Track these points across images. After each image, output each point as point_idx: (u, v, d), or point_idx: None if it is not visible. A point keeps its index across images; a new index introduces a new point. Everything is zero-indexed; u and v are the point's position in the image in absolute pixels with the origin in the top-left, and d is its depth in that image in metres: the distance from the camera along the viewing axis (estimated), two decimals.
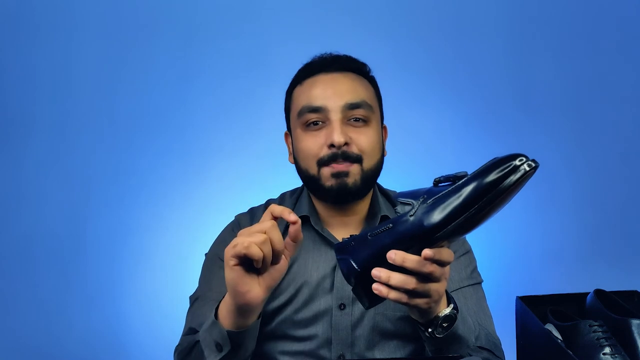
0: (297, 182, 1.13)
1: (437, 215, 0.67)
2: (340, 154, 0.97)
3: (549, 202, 1.83)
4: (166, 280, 1.76)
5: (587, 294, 1.00)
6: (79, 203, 1.82)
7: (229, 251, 0.74)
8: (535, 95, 1.86)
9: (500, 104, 1.85)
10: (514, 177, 0.64)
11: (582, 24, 1.85)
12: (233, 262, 0.74)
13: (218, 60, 1.84)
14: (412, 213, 0.70)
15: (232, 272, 0.74)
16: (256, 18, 1.85)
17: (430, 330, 0.78)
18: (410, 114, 1.74)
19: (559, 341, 0.88)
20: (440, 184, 0.70)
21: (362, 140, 0.98)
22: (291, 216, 0.75)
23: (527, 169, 0.64)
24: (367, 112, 1.00)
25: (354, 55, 1.08)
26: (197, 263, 1.08)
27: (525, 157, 0.65)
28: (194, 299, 1.02)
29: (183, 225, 1.79)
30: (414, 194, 0.72)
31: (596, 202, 1.84)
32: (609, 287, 0.99)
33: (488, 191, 0.65)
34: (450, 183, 0.69)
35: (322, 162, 0.98)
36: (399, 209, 0.72)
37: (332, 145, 0.96)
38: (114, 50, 1.83)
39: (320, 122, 0.99)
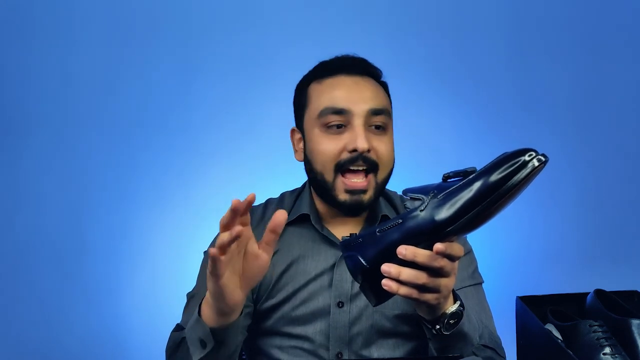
0: (297, 181, 1.13)
1: (447, 210, 0.67)
2: (361, 158, 0.96)
3: (550, 202, 1.83)
4: (166, 279, 1.75)
5: (587, 294, 1.00)
6: (78, 203, 1.82)
7: (209, 268, 0.71)
8: (538, 94, 1.86)
9: (502, 102, 1.85)
10: (523, 173, 0.64)
11: (586, 22, 1.84)
12: (217, 275, 0.71)
13: (218, 59, 1.84)
14: (422, 208, 0.70)
15: (214, 286, 0.73)
16: (257, 18, 1.84)
17: (437, 327, 0.78)
18: (413, 113, 1.73)
19: (559, 341, 0.88)
20: (449, 180, 0.70)
21: (382, 148, 0.99)
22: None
23: (537, 164, 0.64)
24: (387, 119, 1.01)
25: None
26: (197, 262, 1.08)
27: (535, 151, 0.65)
28: (190, 296, 1.03)
29: (182, 224, 1.79)
30: (423, 190, 0.72)
31: (597, 202, 1.84)
32: (609, 287, 0.99)
33: (498, 186, 0.65)
34: (459, 178, 0.69)
35: (340, 166, 0.97)
36: (409, 204, 0.72)
37: (354, 150, 0.96)
38: (114, 50, 1.83)
39: (342, 126, 0.98)
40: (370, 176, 0.98)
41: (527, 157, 0.64)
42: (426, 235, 0.69)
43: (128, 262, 1.80)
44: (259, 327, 1.01)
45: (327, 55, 1.08)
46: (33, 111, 1.82)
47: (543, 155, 0.65)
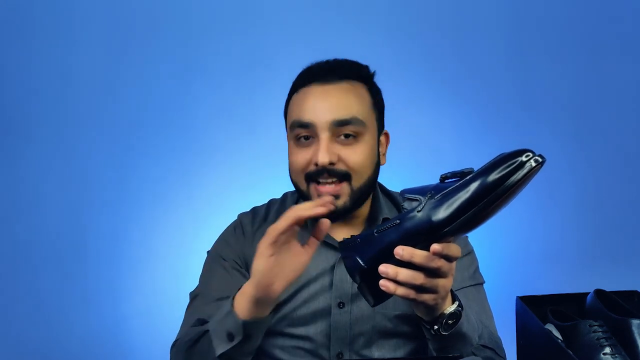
0: None
1: (445, 211, 0.68)
2: (326, 171, 0.96)
3: (550, 202, 1.83)
4: (166, 280, 1.76)
5: (587, 294, 1.00)
6: (79, 203, 1.82)
7: (266, 240, 0.77)
8: (538, 94, 1.86)
9: (502, 102, 1.85)
10: (520, 173, 0.64)
11: (586, 22, 1.84)
12: (269, 252, 0.77)
13: (219, 60, 1.84)
14: (419, 209, 0.70)
15: (264, 264, 0.77)
16: (257, 18, 1.84)
17: (435, 327, 0.78)
18: (412, 112, 1.74)
19: (559, 341, 0.88)
20: (447, 180, 0.71)
21: (351, 157, 0.97)
22: (319, 209, 0.78)
23: (534, 164, 0.64)
24: (358, 127, 0.97)
25: (355, 54, 1.06)
26: (198, 264, 1.08)
27: (532, 152, 0.65)
28: (193, 296, 1.03)
29: (184, 225, 1.79)
30: (420, 190, 0.72)
31: (597, 202, 1.84)
32: (609, 287, 0.99)
33: (495, 187, 0.65)
34: (457, 179, 0.69)
35: (310, 177, 0.98)
36: (406, 205, 0.72)
37: (317, 164, 0.96)
38: (114, 50, 1.83)
39: (310, 137, 0.98)
40: (344, 184, 0.97)
41: (524, 158, 0.65)
42: (423, 235, 0.70)
43: (129, 262, 1.81)
44: None
45: (327, 55, 1.06)
46: (33, 111, 1.82)
47: (540, 155, 0.65)
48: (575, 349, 0.87)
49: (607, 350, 0.84)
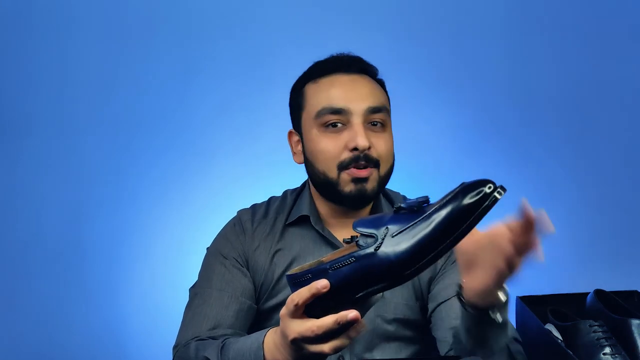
0: (299, 181, 1.13)
1: (406, 249, 0.63)
2: (362, 157, 0.96)
3: (549, 202, 1.83)
4: (166, 280, 1.75)
5: (587, 294, 1.00)
6: (78, 203, 1.81)
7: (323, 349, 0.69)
8: (535, 96, 1.85)
9: (501, 103, 1.84)
10: (487, 204, 0.62)
11: (583, 26, 1.84)
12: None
13: (218, 59, 1.83)
14: (377, 246, 0.64)
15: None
16: (257, 18, 1.84)
17: (494, 311, 0.76)
18: (409, 114, 1.73)
19: (559, 341, 0.88)
20: (401, 212, 0.66)
21: (381, 145, 0.99)
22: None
23: (498, 197, 0.62)
24: (385, 116, 1.01)
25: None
26: (198, 263, 1.08)
27: (493, 183, 0.62)
28: (193, 294, 1.02)
29: (184, 224, 1.79)
30: (374, 223, 0.66)
31: (596, 202, 1.84)
32: (609, 287, 0.99)
33: (462, 219, 0.62)
34: (410, 211, 0.65)
35: (343, 166, 0.97)
36: (361, 241, 0.66)
37: (354, 149, 0.96)
38: (113, 49, 1.82)
39: (340, 124, 0.98)
40: (373, 169, 0.98)
41: (487, 190, 0.62)
42: (386, 276, 0.64)
43: (129, 262, 1.80)
44: (260, 328, 1.01)
45: (327, 55, 1.08)
46: (31, 112, 1.81)
47: (501, 187, 0.62)
48: (575, 349, 0.87)
49: (607, 350, 0.84)
